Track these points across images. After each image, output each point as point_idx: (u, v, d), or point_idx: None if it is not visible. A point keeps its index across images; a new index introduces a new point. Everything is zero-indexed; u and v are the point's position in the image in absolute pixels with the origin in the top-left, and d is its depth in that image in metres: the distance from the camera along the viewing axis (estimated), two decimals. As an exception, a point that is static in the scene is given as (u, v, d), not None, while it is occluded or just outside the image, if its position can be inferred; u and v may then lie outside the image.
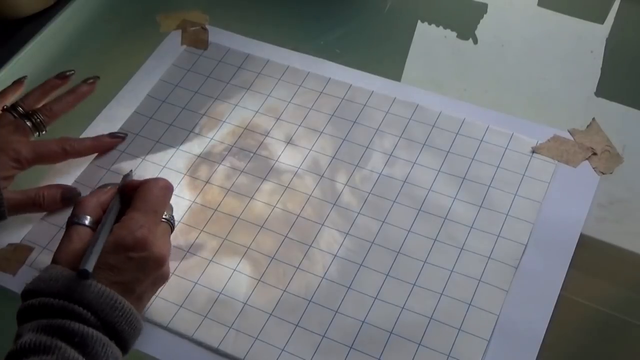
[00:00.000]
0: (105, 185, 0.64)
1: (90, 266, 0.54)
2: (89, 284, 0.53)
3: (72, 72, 0.76)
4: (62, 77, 0.76)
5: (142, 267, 0.57)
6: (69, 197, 0.68)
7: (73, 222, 0.58)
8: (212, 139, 0.74)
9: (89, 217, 0.59)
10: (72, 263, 0.55)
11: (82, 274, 0.53)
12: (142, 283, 0.57)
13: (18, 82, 0.75)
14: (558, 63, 0.79)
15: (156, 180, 0.61)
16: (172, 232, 0.63)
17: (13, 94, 0.75)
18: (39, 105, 0.73)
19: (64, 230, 0.59)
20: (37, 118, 0.71)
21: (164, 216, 0.61)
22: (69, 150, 0.70)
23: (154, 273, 0.58)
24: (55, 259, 0.57)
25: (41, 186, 0.69)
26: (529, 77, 0.78)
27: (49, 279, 0.54)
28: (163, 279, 0.61)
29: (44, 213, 0.69)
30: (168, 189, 0.62)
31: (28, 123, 0.71)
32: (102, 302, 0.53)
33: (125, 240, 0.56)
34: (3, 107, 0.72)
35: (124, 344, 0.54)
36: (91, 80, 0.76)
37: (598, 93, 0.76)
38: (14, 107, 0.71)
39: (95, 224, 0.59)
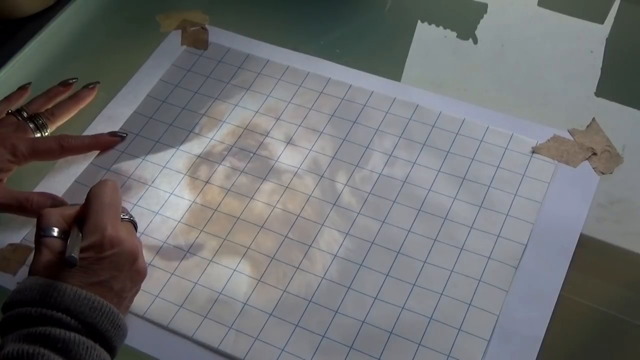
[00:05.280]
0: (71, 204, 0.64)
1: (75, 253, 0.54)
2: (65, 288, 0.53)
3: (75, 79, 0.78)
4: (66, 84, 0.77)
5: (116, 264, 0.57)
6: None
7: (40, 236, 0.57)
8: (212, 139, 0.74)
9: (55, 229, 0.57)
10: (46, 273, 0.55)
11: (69, 261, 0.53)
12: (119, 279, 0.57)
13: (23, 88, 0.77)
14: (558, 63, 0.79)
15: (103, 182, 0.61)
16: (136, 230, 0.63)
17: (18, 99, 0.76)
18: (42, 110, 0.74)
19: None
20: (40, 120, 0.73)
21: (124, 216, 0.61)
22: (65, 147, 0.70)
23: (128, 268, 0.58)
24: (30, 273, 0.56)
25: (33, 192, 0.69)
26: (529, 77, 0.78)
27: (24, 290, 0.54)
28: (140, 273, 0.60)
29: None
30: (116, 186, 0.61)
31: (31, 125, 0.72)
32: (80, 304, 0.53)
33: (95, 242, 0.56)
34: (8, 110, 0.73)
35: (110, 345, 0.54)
36: (92, 86, 0.78)
37: (598, 93, 0.76)
38: (18, 111, 0.73)
39: (62, 234, 0.58)
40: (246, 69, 0.80)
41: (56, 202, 0.67)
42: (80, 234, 0.57)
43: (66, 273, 0.55)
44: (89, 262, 0.55)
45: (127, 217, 0.62)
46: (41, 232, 0.57)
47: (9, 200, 0.66)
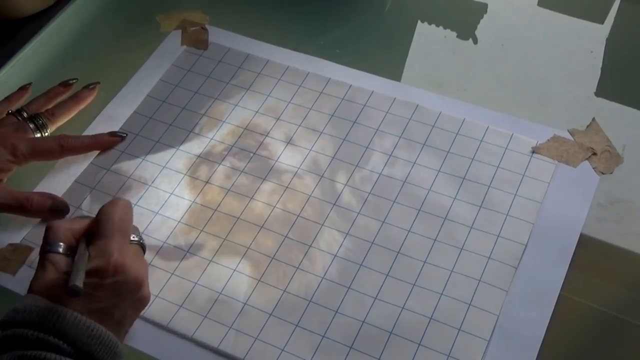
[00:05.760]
0: (81, 217, 0.63)
1: (80, 282, 0.52)
2: (65, 313, 0.52)
3: (76, 79, 0.78)
4: (66, 85, 0.77)
5: (119, 292, 0.55)
6: (57, 210, 0.67)
7: (46, 251, 0.55)
8: (212, 139, 0.74)
9: (62, 244, 0.56)
10: (48, 293, 0.53)
11: (73, 290, 0.51)
12: (120, 308, 0.56)
13: (23, 89, 0.77)
14: (558, 63, 0.79)
15: (115, 202, 0.59)
16: (144, 252, 0.61)
17: (18, 99, 0.76)
18: (42, 110, 0.74)
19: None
20: (40, 120, 0.73)
21: (133, 238, 0.59)
22: (65, 147, 0.70)
23: (131, 296, 0.56)
24: (31, 289, 0.54)
25: (33, 192, 0.69)
26: (529, 77, 0.78)
27: (23, 310, 0.52)
28: (143, 301, 0.58)
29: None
30: (128, 207, 0.59)
31: (31, 125, 0.72)
32: (79, 332, 0.52)
33: (99, 267, 0.54)
34: (8, 111, 0.73)
35: None
36: (92, 86, 0.78)
37: (598, 93, 0.76)
38: (18, 111, 0.73)
39: (69, 251, 0.56)
40: (246, 69, 0.80)
41: (56, 202, 0.67)
42: (88, 254, 0.55)
43: (69, 298, 0.53)
44: (92, 287, 0.54)
45: (136, 239, 0.60)
46: (47, 247, 0.56)
47: (9, 200, 0.66)
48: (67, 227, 0.57)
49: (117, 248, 0.56)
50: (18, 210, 0.67)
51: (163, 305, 0.63)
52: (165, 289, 0.64)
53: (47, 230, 0.57)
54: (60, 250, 0.55)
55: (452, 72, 0.79)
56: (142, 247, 0.61)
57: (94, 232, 0.57)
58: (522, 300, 0.61)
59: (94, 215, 0.59)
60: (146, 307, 0.60)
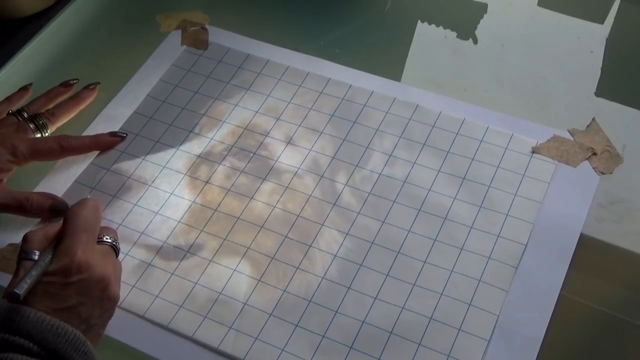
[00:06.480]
0: (57, 217, 0.64)
1: (20, 288, 0.52)
2: (28, 313, 0.52)
3: (76, 80, 0.78)
4: (66, 85, 0.77)
5: (84, 290, 0.55)
6: (57, 209, 0.67)
7: (21, 258, 0.56)
8: (212, 139, 0.74)
9: (37, 252, 0.56)
10: None
11: (11, 296, 0.52)
12: (87, 306, 0.55)
13: (24, 89, 0.77)
14: (558, 63, 0.79)
15: (83, 202, 0.60)
16: (117, 255, 0.61)
17: (19, 99, 0.76)
18: (43, 110, 0.74)
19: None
20: (40, 120, 0.73)
21: (106, 239, 0.60)
22: (65, 147, 0.70)
23: (98, 295, 0.56)
24: (3, 295, 0.54)
25: (33, 192, 0.69)
26: (529, 77, 0.78)
27: None
28: (110, 301, 0.58)
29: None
30: (97, 208, 0.60)
31: (31, 125, 0.72)
32: (44, 330, 0.52)
33: (63, 266, 0.55)
34: (8, 111, 0.73)
35: None
36: (92, 86, 0.78)
37: (598, 93, 0.76)
38: (19, 111, 0.73)
39: None
40: (246, 69, 0.80)
41: (56, 202, 0.67)
42: (50, 257, 0.56)
43: (33, 298, 0.53)
44: (56, 287, 0.54)
45: (109, 241, 0.61)
46: (23, 255, 0.57)
47: (8, 200, 0.66)
48: (41, 234, 0.58)
49: (81, 247, 0.56)
50: (18, 210, 0.67)
51: (163, 305, 0.63)
52: (165, 289, 0.64)
53: (24, 240, 0.58)
54: (35, 257, 0.56)
55: (452, 72, 0.79)
56: (115, 249, 0.61)
57: (62, 233, 0.58)
58: (522, 300, 0.61)
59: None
60: (123, 305, 0.61)
